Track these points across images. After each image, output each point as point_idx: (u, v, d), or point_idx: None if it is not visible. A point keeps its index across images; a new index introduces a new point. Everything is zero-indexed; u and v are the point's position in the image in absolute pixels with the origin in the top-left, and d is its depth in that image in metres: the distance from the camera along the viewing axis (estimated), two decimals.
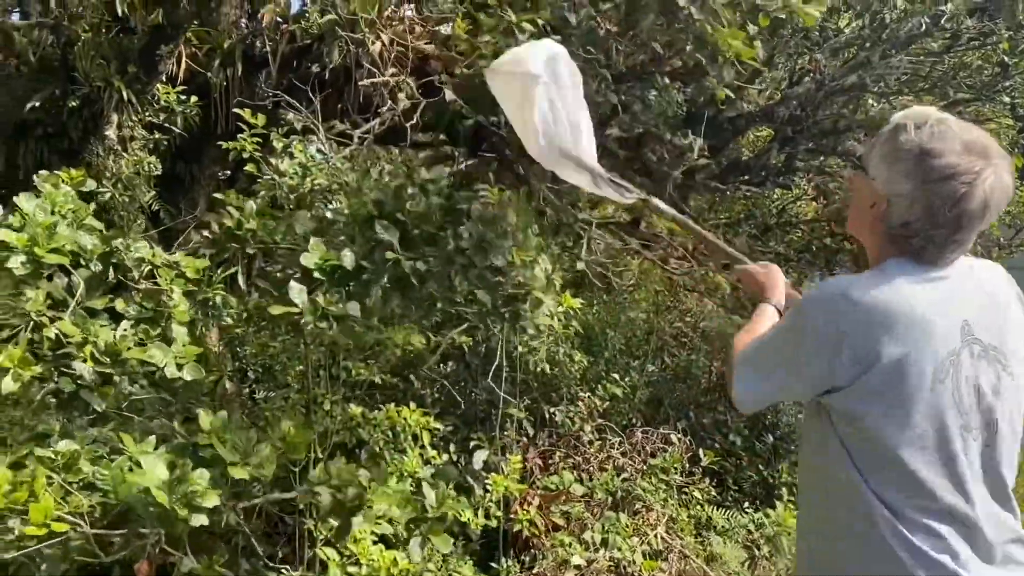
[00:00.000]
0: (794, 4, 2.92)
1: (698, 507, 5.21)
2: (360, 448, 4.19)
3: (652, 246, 7.96)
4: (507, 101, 2.76)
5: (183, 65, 5.26)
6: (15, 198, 2.85)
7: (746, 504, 5.56)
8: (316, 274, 2.88)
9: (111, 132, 4.84)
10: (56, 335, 2.88)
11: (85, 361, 2.87)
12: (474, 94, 4.32)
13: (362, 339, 2.76)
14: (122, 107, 4.91)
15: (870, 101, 5.82)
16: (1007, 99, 5.13)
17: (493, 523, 4.13)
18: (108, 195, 5.02)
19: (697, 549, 4.95)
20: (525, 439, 5.15)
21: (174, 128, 5.22)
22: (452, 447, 4.56)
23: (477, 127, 4.51)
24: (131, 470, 2.51)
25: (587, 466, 5.33)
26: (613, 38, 3.28)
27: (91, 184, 3.44)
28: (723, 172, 5.60)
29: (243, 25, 6.60)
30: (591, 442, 5.45)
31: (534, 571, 4.46)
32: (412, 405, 4.47)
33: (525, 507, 4.56)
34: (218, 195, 4.42)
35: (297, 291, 2.82)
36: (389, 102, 4.35)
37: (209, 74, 5.34)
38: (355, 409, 4.16)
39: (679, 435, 5.65)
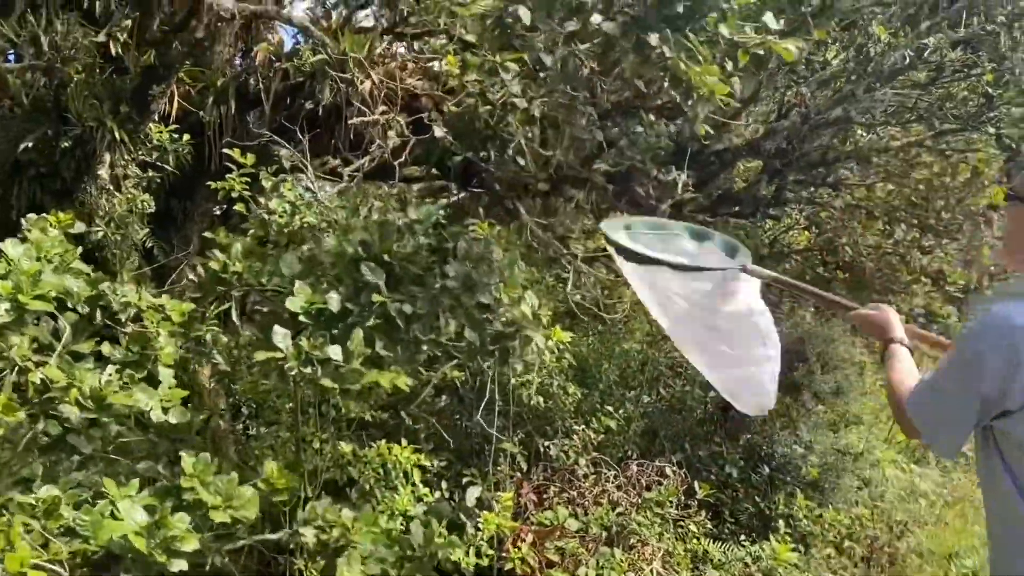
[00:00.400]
0: (771, 41, 2.95)
1: (694, 540, 5.17)
2: (351, 486, 4.17)
3: None
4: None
5: (175, 104, 5.29)
6: (1, 244, 2.86)
7: (742, 537, 5.51)
8: (302, 317, 2.88)
9: (103, 171, 4.87)
10: (42, 379, 2.89)
11: (72, 405, 2.88)
12: (463, 130, 4.35)
13: (346, 382, 2.75)
14: (114, 146, 4.94)
15: (859, 132, 5.87)
16: (992, 129, 5.17)
17: (485, 562, 4.10)
18: (100, 234, 5.04)
19: None
20: (519, 474, 5.12)
21: (167, 166, 5.25)
22: (445, 483, 4.53)
23: (467, 163, 4.53)
24: (112, 515, 2.49)
25: (582, 500, 5.29)
26: (596, 76, 3.30)
27: (80, 226, 3.46)
28: (713, 204, 5.63)
29: (237, 63, 6.68)
30: (586, 476, 5.41)
31: None
32: (404, 442, 4.47)
33: (518, 544, 4.52)
34: (208, 234, 4.46)
35: (281, 336, 2.82)
36: (379, 140, 4.36)
37: (201, 113, 5.37)
38: (345, 447, 4.15)
39: (674, 468, 5.61)
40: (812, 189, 5.93)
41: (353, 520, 2.93)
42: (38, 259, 2.88)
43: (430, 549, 3.20)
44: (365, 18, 5.92)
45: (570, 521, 4.93)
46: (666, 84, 2.92)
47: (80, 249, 3.17)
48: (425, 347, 2.94)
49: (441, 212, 3.35)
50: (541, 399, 5.32)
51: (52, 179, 5.09)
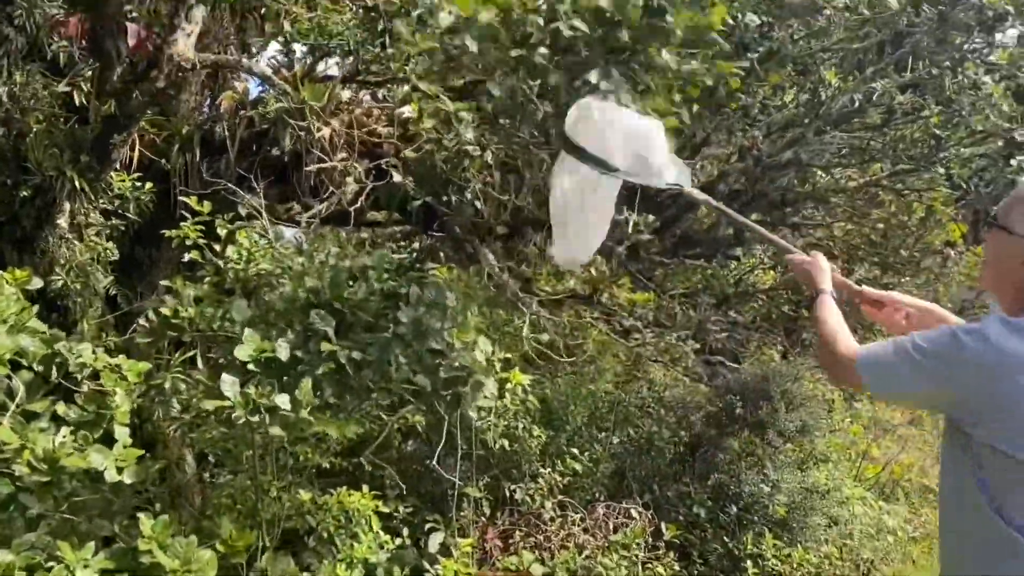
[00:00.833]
0: (718, 64, 3.02)
1: None
2: (311, 534, 4.13)
3: (612, 318, 8.03)
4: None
5: (136, 152, 5.32)
6: None
7: None
8: (251, 365, 2.88)
9: (63, 220, 4.87)
10: None
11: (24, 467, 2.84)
12: (423, 175, 4.39)
13: (295, 431, 2.74)
14: (75, 195, 4.95)
15: (818, 173, 5.98)
16: (942, 170, 5.29)
17: None
18: (61, 283, 5.02)
19: None
20: (483, 519, 5.09)
21: (128, 215, 5.26)
22: (407, 530, 4.49)
23: (427, 207, 4.57)
24: None
25: (548, 544, 5.26)
26: (550, 118, 3.36)
27: (38, 281, 3.44)
28: (675, 245, 5.69)
29: (205, 110, 6.73)
30: (552, 519, 5.39)
31: None
32: (366, 488, 4.43)
33: None
34: (165, 282, 4.46)
35: (229, 384, 2.81)
36: (339, 186, 4.39)
37: (163, 161, 5.40)
38: (304, 495, 4.11)
39: (640, 509, 5.60)
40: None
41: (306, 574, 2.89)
42: None
43: None
44: (329, 67, 6.02)
45: (535, 566, 4.90)
46: None
47: (36, 307, 3.14)
48: (375, 394, 2.94)
49: (396, 257, 3.37)
50: (506, 442, 5.31)
51: (12, 228, 5.08)
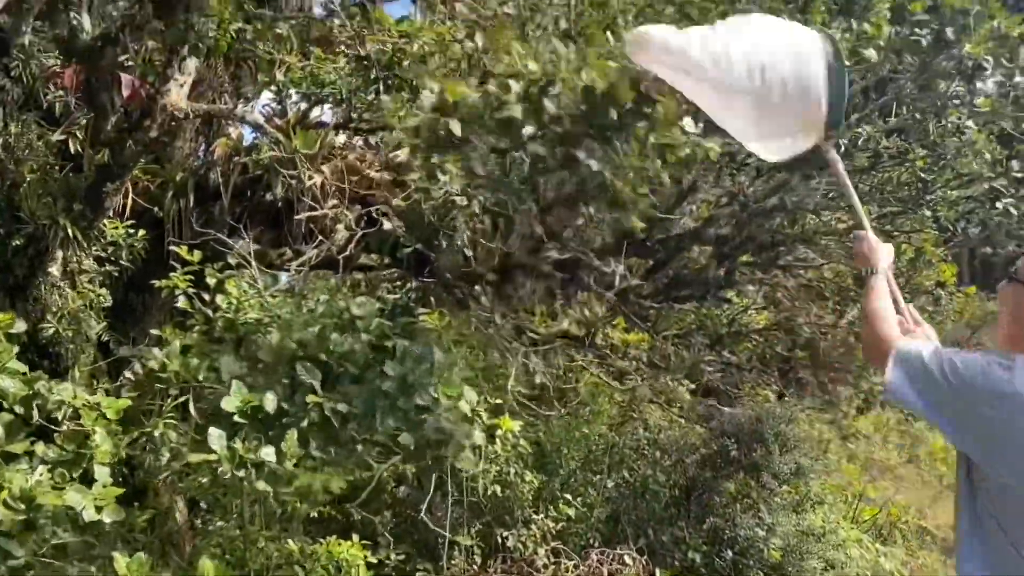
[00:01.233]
0: (694, 141, 3.07)
1: None
2: None
3: (606, 360, 8.02)
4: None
5: (130, 199, 5.35)
6: None
7: None
8: (237, 417, 2.88)
9: (55, 268, 4.88)
10: None
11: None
12: (413, 222, 4.43)
13: (280, 484, 2.74)
14: (67, 243, 4.96)
15: (808, 216, 6.02)
16: (928, 212, 5.34)
17: None
18: (52, 330, 5.02)
19: None
20: (475, 567, 5.04)
21: (121, 262, 5.28)
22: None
23: (418, 253, 4.60)
24: None
25: None
26: (536, 173, 3.40)
27: (21, 325, 3.45)
28: (666, 288, 5.71)
29: (200, 156, 6.79)
30: (545, 566, 5.35)
31: None
32: (356, 537, 4.40)
33: None
34: (155, 331, 4.46)
35: (216, 437, 2.81)
36: (329, 233, 4.43)
37: (156, 209, 5.44)
38: (292, 544, 4.08)
39: (635, 555, 5.56)
40: (763, 271, 6.05)
41: None
42: None
43: None
44: (323, 113, 6.08)
45: None
46: (591, 190, 3.01)
47: (28, 353, 3.15)
48: (360, 447, 2.93)
49: (389, 298, 3.39)
50: (499, 488, 5.28)
51: (4, 275, 5.09)
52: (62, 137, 5.21)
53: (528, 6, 4.75)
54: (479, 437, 3.24)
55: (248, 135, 6.71)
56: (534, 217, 3.81)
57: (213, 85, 6.47)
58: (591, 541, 5.85)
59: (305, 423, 2.88)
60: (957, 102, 4.61)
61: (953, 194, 5.34)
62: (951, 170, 5.28)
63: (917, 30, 4.32)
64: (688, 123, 3.14)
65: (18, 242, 4.91)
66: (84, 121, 5.07)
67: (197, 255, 4.05)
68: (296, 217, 4.72)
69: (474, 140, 2.98)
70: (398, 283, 6.16)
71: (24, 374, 3.11)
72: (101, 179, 4.93)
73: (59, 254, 4.99)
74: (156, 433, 3.56)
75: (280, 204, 5.94)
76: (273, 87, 5.59)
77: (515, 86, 3.06)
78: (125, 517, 3.83)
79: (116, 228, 5.43)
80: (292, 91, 5.53)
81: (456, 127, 2.98)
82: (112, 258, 5.49)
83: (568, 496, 5.79)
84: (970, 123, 4.95)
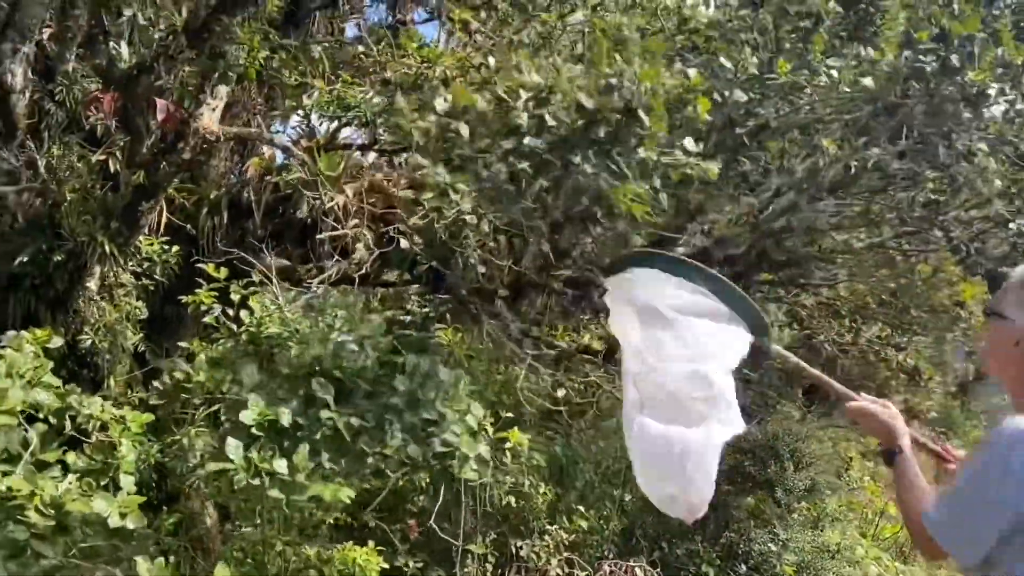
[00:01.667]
0: (691, 162, 3.21)
1: None
2: None
3: None
4: None
5: (163, 217, 5.61)
6: None
7: None
8: (254, 429, 3.07)
9: (92, 283, 5.14)
10: (8, 487, 3.06)
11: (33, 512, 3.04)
12: (429, 240, 4.61)
13: (293, 493, 2.92)
14: (105, 259, 5.22)
15: (828, 235, 6.08)
16: (939, 232, 5.39)
17: None
18: (89, 342, 5.28)
19: None
20: (487, 575, 5.19)
21: (156, 276, 5.53)
22: None
23: (433, 270, 4.78)
24: None
25: None
26: (543, 191, 3.56)
27: (58, 340, 3.69)
28: None
29: (234, 175, 7.08)
30: (559, 575, 5.47)
31: None
32: (371, 544, 4.57)
33: None
34: (183, 343, 4.69)
35: (233, 447, 3.00)
36: (347, 252, 4.63)
37: (189, 226, 5.69)
38: (309, 550, 4.27)
39: (647, 567, 5.66)
40: (784, 290, 6.14)
41: None
42: (8, 376, 3.09)
43: None
44: (352, 135, 6.32)
45: None
46: (586, 202, 3.17)
47: (67, 364, 3.37)
48: (371, 459, 3.10)
49: (404, 319, 3.55)
50: (513, 499, 5.42)
51: (46, 289, 5.37)
52: (102, 158, 5.49)
53: (542, 34, 4.95)
54: (484, 450, 3.39)
55: (280, 155, 6.98)
56: (542, 236, 3.96)
57: (248, 107, 6.76)
58: (606, 553, 5.96)
59: (318, 435, 3.06)
60: (963, 127, 4.67)
61: (966, 215, 5.39)
62: (966, 190, 5.32)
63: (922, 57, 4.41)
64: (688, 143, 3.29)
65: (59, 258, 5.18)
66: (122, 143, 5.33)
67: (224, 272, 4.27)
68: (318, 236, 4.93)
69: (480, 144, 3.16)
70: (418, 298, 6.35)
71: (58, 388, 3.34)
72: (137, 198, 5.19)
73: (97, 269, 5.25)
74: (184, 441, 3.78)
75: (308, 221, 6.19)
76: (300, 111, 5.83)
77: (523, 94, 3.26)
78: (155, 521, 4.09)
79: (151, 244, 5.69)
80: (318, 114, 5.76)
81: (464, 129, 3.16)
82: (148, 273, 5.75)
83: (582, 508, 5.91)
84: (982, 146, 5.01)
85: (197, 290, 4.16)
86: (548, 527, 5.65)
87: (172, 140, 5.09)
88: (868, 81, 3.87)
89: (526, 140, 3.24)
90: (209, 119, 5.10)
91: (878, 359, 7.28)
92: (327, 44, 5.83)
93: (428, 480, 4.87)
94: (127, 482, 3.24)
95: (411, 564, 5.14)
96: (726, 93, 4.20)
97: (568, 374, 6.77)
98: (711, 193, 4.69)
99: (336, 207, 4.85)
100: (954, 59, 4.32)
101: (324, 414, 3.07)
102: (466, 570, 4.91)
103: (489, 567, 5.09)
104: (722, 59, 3.97)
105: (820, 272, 6.33)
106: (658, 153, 3.29)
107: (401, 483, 4.70)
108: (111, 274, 5.50)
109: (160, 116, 5.14)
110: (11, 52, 4.89)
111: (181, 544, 4.68)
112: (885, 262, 6.35)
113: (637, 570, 5.46)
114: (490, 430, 3.61)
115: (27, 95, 5.11)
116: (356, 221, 4.84)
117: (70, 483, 3.08)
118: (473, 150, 3.26)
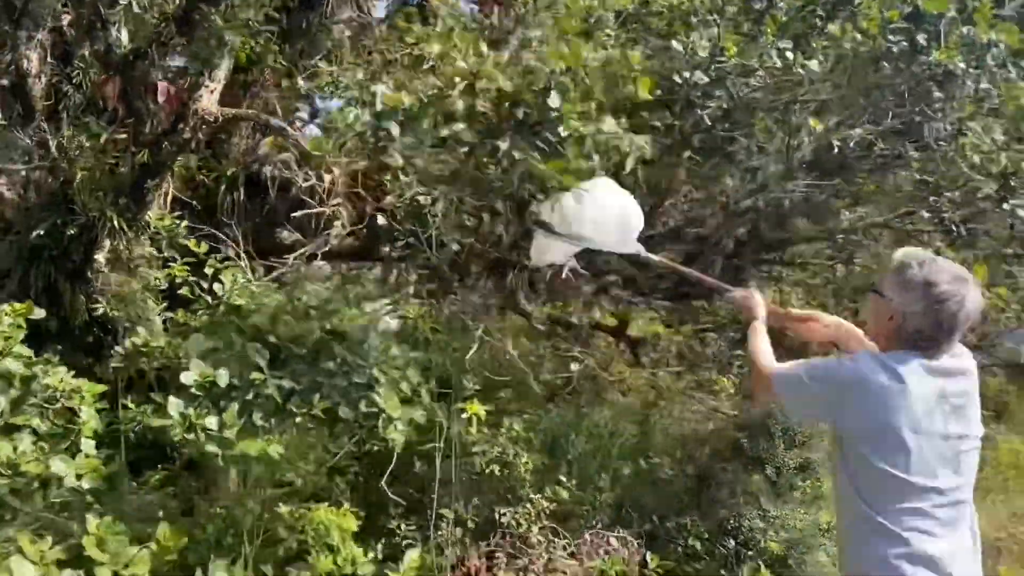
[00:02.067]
0: (618, 136, 3.33)
1: None
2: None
3: (639, 351, 8.23)
4: None
5: (170, 195, 5.94)
6: None
7: None
8: (194, 390, 3.33)
9: (100, 256, 5.50)
10: None
11: None
12: (401, 219, 4.82)
13: (225, 448, 3.18)
14: (114, 233, 5.59)
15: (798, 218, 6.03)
16: (926, 214, 5.32)
17: None
18: (100, 311, 5.67)
19: None
20: (467, 540, 5.39)
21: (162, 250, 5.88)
22: (380, 546, 4.85)
23: (409, 245, 4.97)
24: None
25: (533, 568, 5.52)
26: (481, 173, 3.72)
27: (40, 312, 4.01)
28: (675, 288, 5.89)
29: (254, 153, 7.40)
30: (539, 542, 5.64)
31: None
32: (347, 505, 4.82)
33: None
34: (169, 312, 5.01)
35: (174, 405, 3.27)
36: (327, 227, 4.88)
37: (194, 202, 6.02)
38: (283, 508, 4.54)
39: (630, 538, 5.79)
40: (771, 268, 6.14)
41: None
42: None
43: None
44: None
45: None
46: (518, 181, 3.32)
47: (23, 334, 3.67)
48: (299, 418, 3.35)
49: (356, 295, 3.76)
50: (496, 468, 5.60)
51: (63, 261, 5.77)
52: (113, 138, 5.85)
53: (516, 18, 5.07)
54: (419, 415, 3.60)
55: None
56: (497, 216, 4.11)
57: (266, 86, 7.07)
58: (594, 523, 6.10)
59: (251, 396, 3.31)
60: (939, 108, 4.61)
61: (957, 195, 5.30)
62: (966, 164, 5.22)
63: (891, 37, 4.36)
64: (609, 122, 3.40)
65: (72, 231, 5.57)
66: (127, 124, 5.68)
67: (204, 246, 4.56)
68: (293, 215, 5.19)
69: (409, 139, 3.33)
70: (394, 270, 6.53)
71: (29, 358, 3.65)
72: (143, 176, 5.53)
73: (106, 243, 5.62)
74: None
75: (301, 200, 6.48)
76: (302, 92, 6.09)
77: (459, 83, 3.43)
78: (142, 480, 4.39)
79: (163, 219, 6.04)
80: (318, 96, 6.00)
81: (395, 129, 3.34)
82: (160, 248, 6.11)
83: (565, 478, 6.05)
84: (973, 124, 4.92)
85: (171, 263, 4.45)
86: (532, 496, 5.82)
87: (173, 122, 5.40)
88: (814, 64, 3.88)
89: (456, 127, 3.40)
90: (208, 101, 5.39)
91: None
92: (328, 27, 6.06)
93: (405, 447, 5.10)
94: (88, 445, 3.54)
95: (402, 527, 5.37)
96: (686, 75, 4.26)
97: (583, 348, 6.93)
98: (681, 174, 4.77)
99: (319, 186, 5.09)
100: (920, 38, 4.27)
101: (255, 376, 3.31)
102: (440, 532, 5.12)
103: (458, 531, 5.29)
104: (673, 42, 4.03)
105: (817, 251, 6.31)
106: (590, 132, 3.41)
107: (376, 449, 4.93)
108: (123, 247, 5.86)
109: (161, 98, 5.46)
110: (26, 39, 5.26)
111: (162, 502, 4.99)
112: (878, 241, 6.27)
113: (612, 539, 5.60)
114: (427, 397, 3.81)
115: (43, 79, 5.49)
116: (338, 200, 5.07)
117: (27, 446, 3.36)
118: (403, 146, 3.43)
